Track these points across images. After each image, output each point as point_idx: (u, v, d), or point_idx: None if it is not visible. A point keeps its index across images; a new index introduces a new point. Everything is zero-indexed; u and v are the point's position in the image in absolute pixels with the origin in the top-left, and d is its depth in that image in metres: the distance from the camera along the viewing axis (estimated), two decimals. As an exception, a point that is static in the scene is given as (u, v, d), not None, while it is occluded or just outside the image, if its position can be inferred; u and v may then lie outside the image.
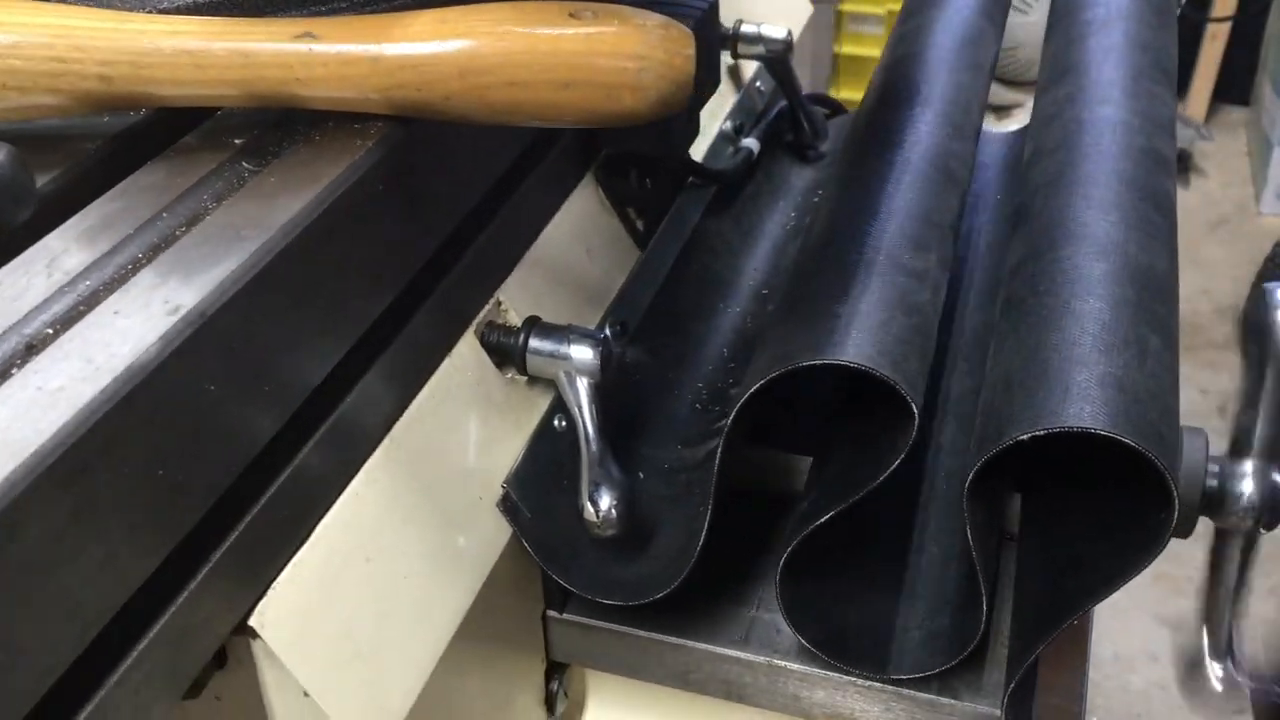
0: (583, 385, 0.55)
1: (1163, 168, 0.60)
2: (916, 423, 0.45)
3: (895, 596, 0.55)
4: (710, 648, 0.57)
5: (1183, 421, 0.60)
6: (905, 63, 0.67)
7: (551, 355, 0.55)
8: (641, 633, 0.58)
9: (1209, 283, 2.39)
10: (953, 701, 0.53)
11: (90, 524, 0.33)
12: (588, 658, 0.62)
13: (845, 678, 0.54)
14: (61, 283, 0.37)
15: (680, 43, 0.47)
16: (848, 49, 2.33)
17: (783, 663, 0.55)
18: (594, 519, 0.53)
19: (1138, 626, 1.66)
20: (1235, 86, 2.84)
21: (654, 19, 0.47)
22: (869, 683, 0.54)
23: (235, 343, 0.38)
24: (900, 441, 0.45)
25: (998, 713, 0.51)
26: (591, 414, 0.55)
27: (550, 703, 0.63)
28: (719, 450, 0.50)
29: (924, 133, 0.59)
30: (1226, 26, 2.69)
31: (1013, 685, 0.48)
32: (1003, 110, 2.17)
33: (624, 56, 0.45)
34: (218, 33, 0.44)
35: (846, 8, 2.37)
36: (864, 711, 0.55)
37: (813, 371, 0.47)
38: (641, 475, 0.61)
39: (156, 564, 0.36)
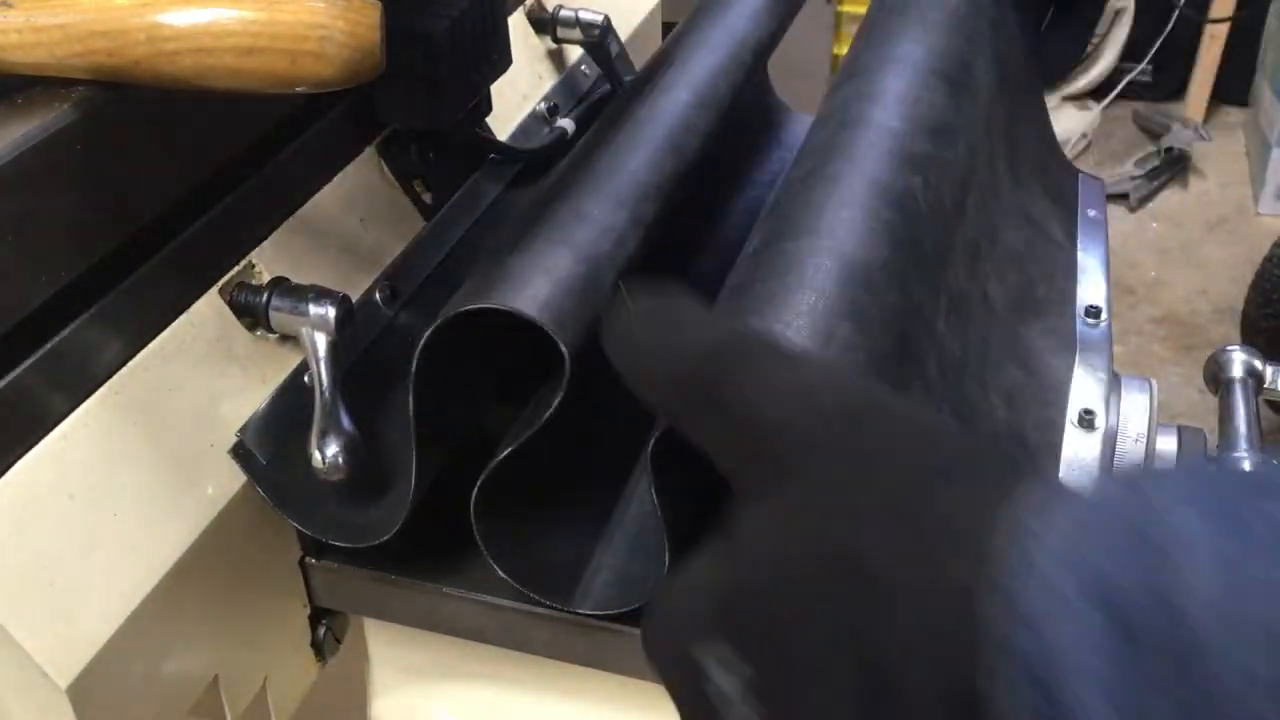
0: (321, 340, 0.58)
1: (912, 167, 0.63)
2: (568, 367, 0.48)
3: (594, 539, 0.58)
4: (445, 589, 0.60)
5: (1181, 421, 0.63)
6: (669, 46, 0.70)
7: (292, 313, 0.58)
8: (392, 576, 0.62)
9: (1207, 283, 2.42)
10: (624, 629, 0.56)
11: None
12: (347, 603, 0.65)
13: (553, 613, 0.57)
14: None
15: (363, 12, 0.50)
16: (846, 49, 2.36)
17: (505, 602, 0.59)
18: (320, 465, 0.56)
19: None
20: (1234, 87, 2.86)
21: None
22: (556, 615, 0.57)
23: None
24: (554, 387, 0.49)
25: None
26: (326, 367, 0.58)
27: (318, 647, 0.66)
28: (410, 398, 0.53)
29: (661, 103, 0.63)
30: (1225, 27, 2.72)
31: None
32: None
33: (304, 25, 0.48)
34: (-86, -1, 0.47)
35: (845, 8, 2.40)
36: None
37: (492, 323, 0.50)
38: (396, 427, 0.63)
39: None
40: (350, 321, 0.59)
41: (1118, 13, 2.79)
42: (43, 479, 0.49)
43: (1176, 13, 2.70)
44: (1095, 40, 2.79)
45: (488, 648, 0.63)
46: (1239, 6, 2.67)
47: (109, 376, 0.52)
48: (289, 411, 0.60)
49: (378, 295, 0.67)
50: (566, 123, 0.85)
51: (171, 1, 0.48)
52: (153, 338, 0.55)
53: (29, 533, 0.48)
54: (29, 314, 0.48)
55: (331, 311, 0.58)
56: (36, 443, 0.49)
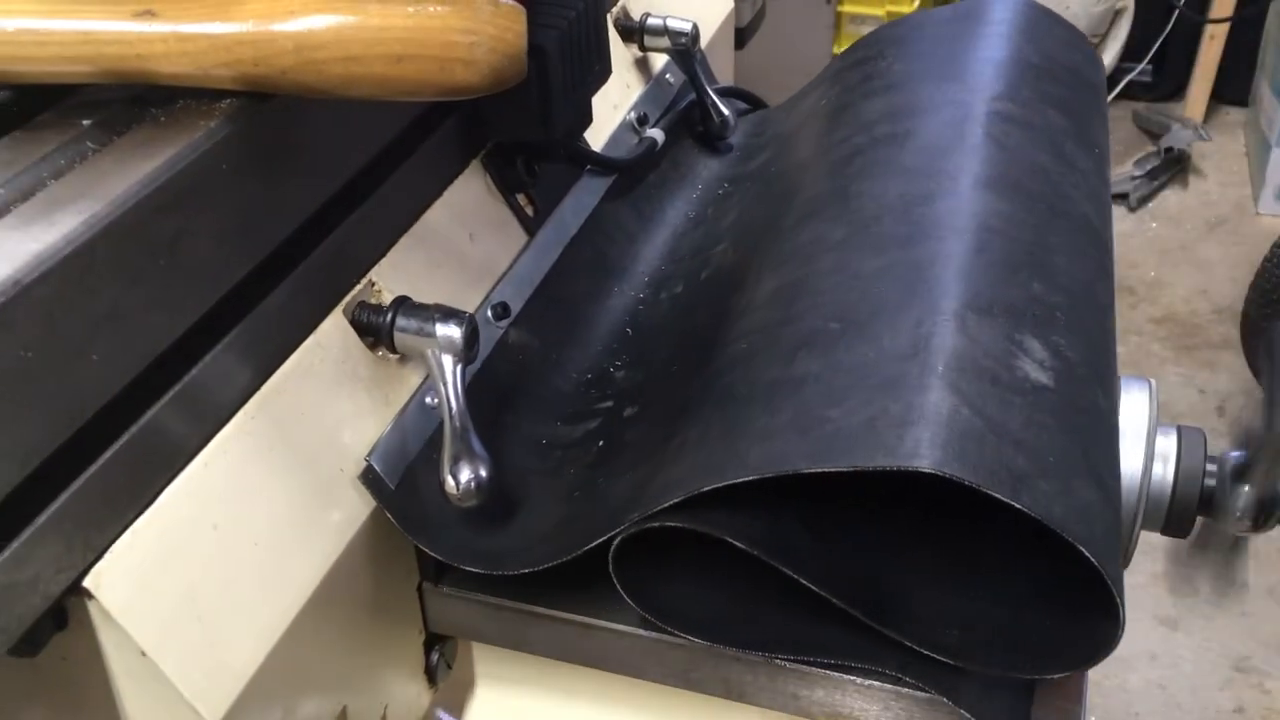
0: (447, 361, 0.56)
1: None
2: None
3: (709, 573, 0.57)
4: (588, 620, 0.59)
5: (1181, 421, 0.62)
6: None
7: (418, 333, 0.57)
8: (513, 604, 0.60)
9: (1207, 283, 2.40)
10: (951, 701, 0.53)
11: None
12: (464, 630, 0.63)
13: (844, 676, 0.55)
14: (-121, 256, 0.39)
15: (510, 18, 0.48)
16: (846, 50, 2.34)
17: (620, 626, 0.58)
18: (454, 491, 0.55)
19: (1137, 626, 1.67)
20: (1233, 87, 2.84)
21: None
22: (868, 681, 0.55)
23: (55, 311, 0.40)
24: None
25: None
26: (455, 390, 0.56)
27: (431, 674, 0.65)
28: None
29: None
30: (1225, 27, 2.70)
31: None
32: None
33: (455, 31, 0.47)
34: (58, 11, 0.46)
35: (846, 8, 2.38)
36: (864, 710, 0.56)
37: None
38: (518, 450, 0.62)
39: (-28, 521, 0.38)
40: (476, 342, 0.57)
41: (1118, 12, 2.78)
42: (187, 510, 0.47)
43: (1176, 13, 2.69)
44: (1095, 40, 2.78)
45: (593, 672, 0.61)
46: (1239, 6, 2.65)
47: (245, 401, 0.51)
48: (413, 434, 0.58)
49: (489, 312, 0.66)
50: (656, 132, 0.84)
51: (321, 9, 0.46)
52: (283, 360, 0.53)
53: (177, 566, 0.46)
54: (176, 340, 0.46)
55: (459, 332, 0.56)
56: (179, 473, 0.47)
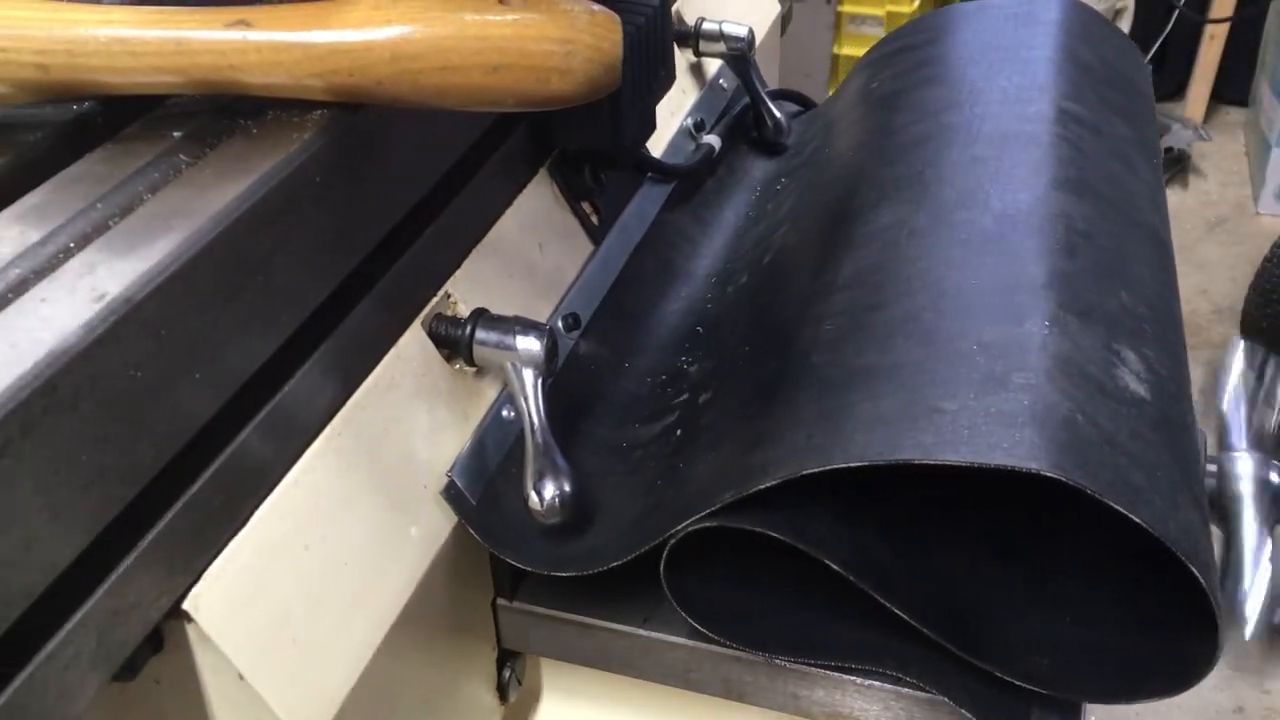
0: (528, 376, 0.56)
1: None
2: None
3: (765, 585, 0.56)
4: (657, 635, 0.58)
5: None
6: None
7: (498, 346, 0.56)
8: (588, 619, 0.59)
9: (1207, 283, 2.39)
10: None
11: (11, 506, 0.34)
12: (537, 646, 0.62)
13: (844, 676, 0.54)
14: (-11, 271, 0.38)
15: (606, 27, 0.48)
16: (847, 50, 2.34)
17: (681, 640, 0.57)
18: (539, 507, 0.54)
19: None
20: (1233, 87, 2.84)
21: (579, 5, 0.48)
22: (869, 681, 0.54)
23: (163, 329, 0.39)
24: None
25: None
26: (537, 404, 0.55)
27: (503, 690, 0.64)
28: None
29: None
30: (1225, 27, 2.69)
31: None
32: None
33: (551, 40, 0.46)
34: (151, 21, 0.45)
35: (846, 8, 2.37)
36: (864, 710, 0.55)
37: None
38: (596, 457, 0.61)
39: (82, 546, 0.37)
40: (556, 354, 0.57)
41: (1118, 12, 2.77)
42: (279, 530, 0.46)
43: (1176, 12, 2.68)
44: None
45: (660, 689, 0.60)
46: (1239, 6, 2.64)
47: (331, 417, 0.50)
48: (492, 448, 0.58)
49: (559, 322, 0.65)
50: (712, 139, 0.83)
51: (418, 19, 0.45)
52: (366, 375, 0.52)
53: (271, 587, 0.45)
54: (270, 357, 0.45)
55: (539, 345, 0.56)
56: (269, 493, 0.46)
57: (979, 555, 0.57)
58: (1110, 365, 0.50)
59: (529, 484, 0.54)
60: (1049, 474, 0.44)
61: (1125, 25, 2.83)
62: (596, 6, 0.48)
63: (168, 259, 0.39)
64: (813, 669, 0.55)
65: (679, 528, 0.50)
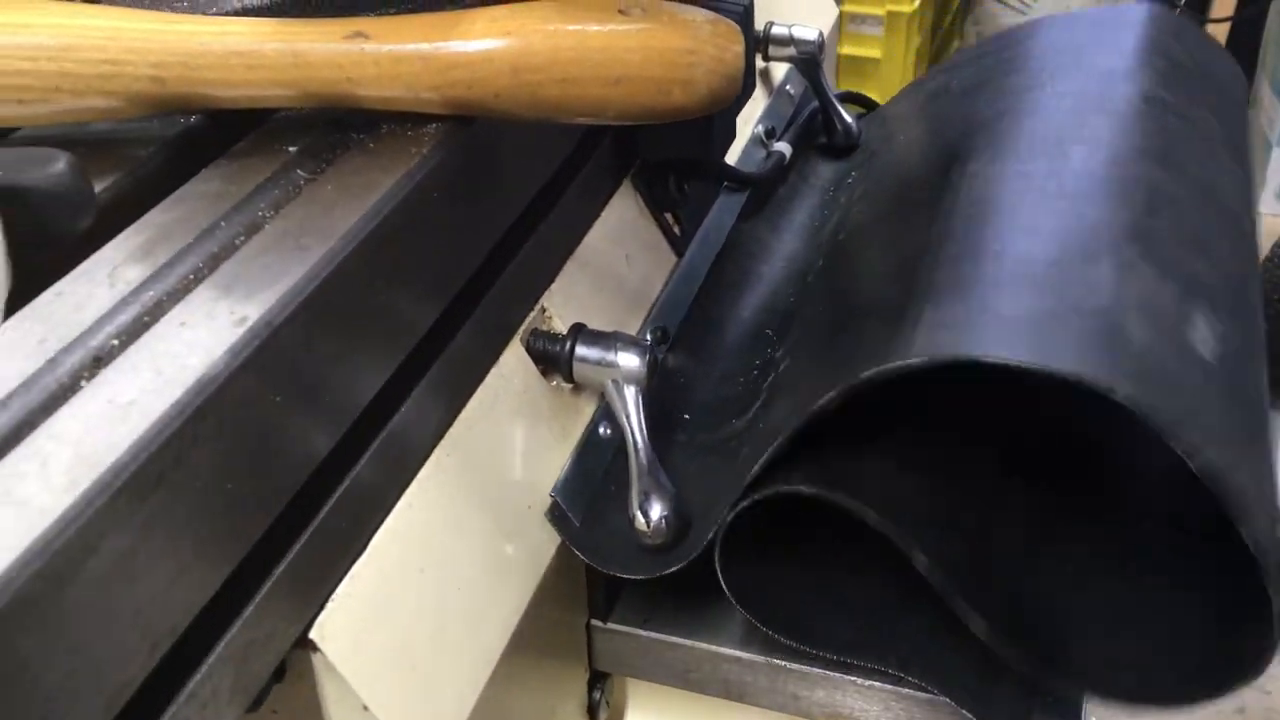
0: (630, 393, 0.54)
1: None
2: None
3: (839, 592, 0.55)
4: (750, 656, 0.56)
5: None
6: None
7: (598, 363, 0.55)
8: (685, 640, 0.58)
9: None
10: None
11: (161, 539, 0.32)
12: (630, 666, 0.61)
13: (845, 676, 0.54)
14: (124, 293, 0.37)
15: (730, 37, 0.46)
16: (847, 49, 2.32)
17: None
18: (645, 528, 0.53)
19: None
20: None
21: (702, 14, 0.47)
22: (869, 681, 0.54)
23: (298, 354, 0.38)
24: None
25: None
26: (639, 422, 0.54)
27: (593, 712, 0.63)
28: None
29: None
30: (1225, 27, 2.68)
31: None
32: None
33: (675, 51, 0.45)
34: (268, 34, 0.44)
35: (846, 8, 2.36)
36: (864, 710, 0.55)
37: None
38: (697, 460, 0.59)
39: (224, 578, 0.36)
40: (656, 371, 0.55)
41: None
42: (396, 555, 0.45)
43: (1177, 12, 2.67)
44: None
45: (742, 708, 0.59)
46: (1239, 6, 2.62)
47: (440, 438, 0.49)
48: (591, 467, 0.56)
49: (648, 336, 0.64)
50: (783, 146, 0.82)
51: (537, 30, 0.44)
52: (471, 393, 0.51)
53: (391, 613, 0.44)
54: (390, 377, 0.44)
55: (641, 361, 0.54)
56: (385, 517, 0.45)
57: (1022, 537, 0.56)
58: (1183, 322, 0.48)
59: (634, 505, 0.53)
60: (1122, 399, 0.41)
61: (1129, 25, 2.83)
62: (718, 16, 0.47)
63: (304, 280, 0.38)
64: (813, 670, 0.54)
65: (750, 479, 0.49)
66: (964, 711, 0.51)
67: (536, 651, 0.55)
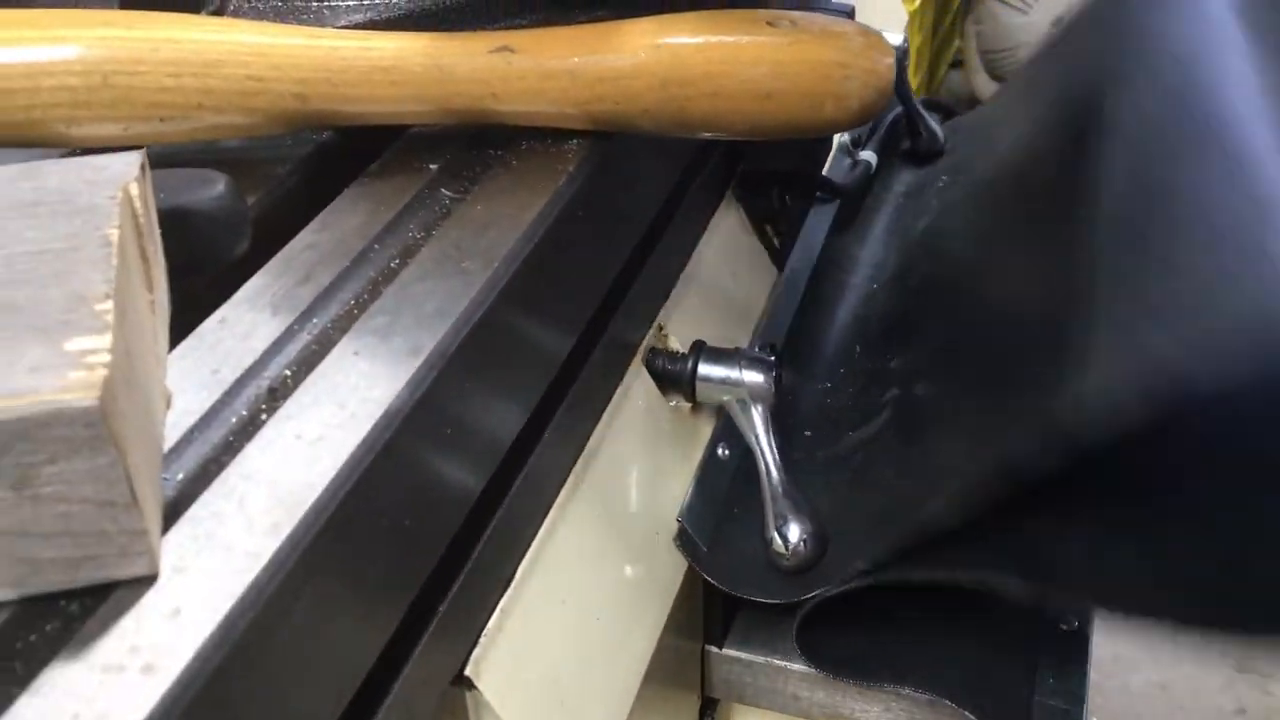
0: (758, 412, 0.53)
1: None
2: None
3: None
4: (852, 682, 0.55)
5: None
6: None
7: (723, 381, 0.53)
8: (804, 666, 0.56)
9: None
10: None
11: (352, 580, 0.31)
12: (742, 692, 0.60)
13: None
14: (289, 320, 0.35)
15: (881, 49, 0.45)
16: None
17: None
18: (783, 551, 0.51)
19: (1138, 626, 1.62)
20: None
21: (852, 26, 0.45)
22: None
23: (467, 384, 0.36)
24: None
25: None
26: (770, 442, 0.52)
27: (703, 739, 0.61)
28: None
29: None
30: None
31: None
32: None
33: (829, 64, 0.43)
34: (412, 48, 0.42)
35: None
36: (864, 711, 0.54)
37: None
38: (818, 476, 0.58)
39: (400, 617, 0.34)
40: (780, 388, 0.54)
41: None
42: (540, 586, 0.43)
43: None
44: None
45: None
46: None
47: (575, 462, 0.47)
48: (713, 489, 0.55)
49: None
50: (869, 155, 0.80)
51: (688, 43, 0.43)
52: (600, 416, 0.49)
53: (539, 646, 0.43)
54: (538, 403, 0.43)
55: (767, 378, 0.53)
56: (528, 547, 0.44)
57: None
58: None
59: (770, 527, 0.51)
60: None
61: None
62: (867, 27, 0.45)
63: (472, 306, 0.36)
64: (813, 670, 0.53)
65: (940, 506, 0.45)
66: (965, 713, 0.50)
67: (658, 680, 0.54)
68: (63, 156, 0.41)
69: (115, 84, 0.39)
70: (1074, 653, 0.54)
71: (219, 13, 0.49)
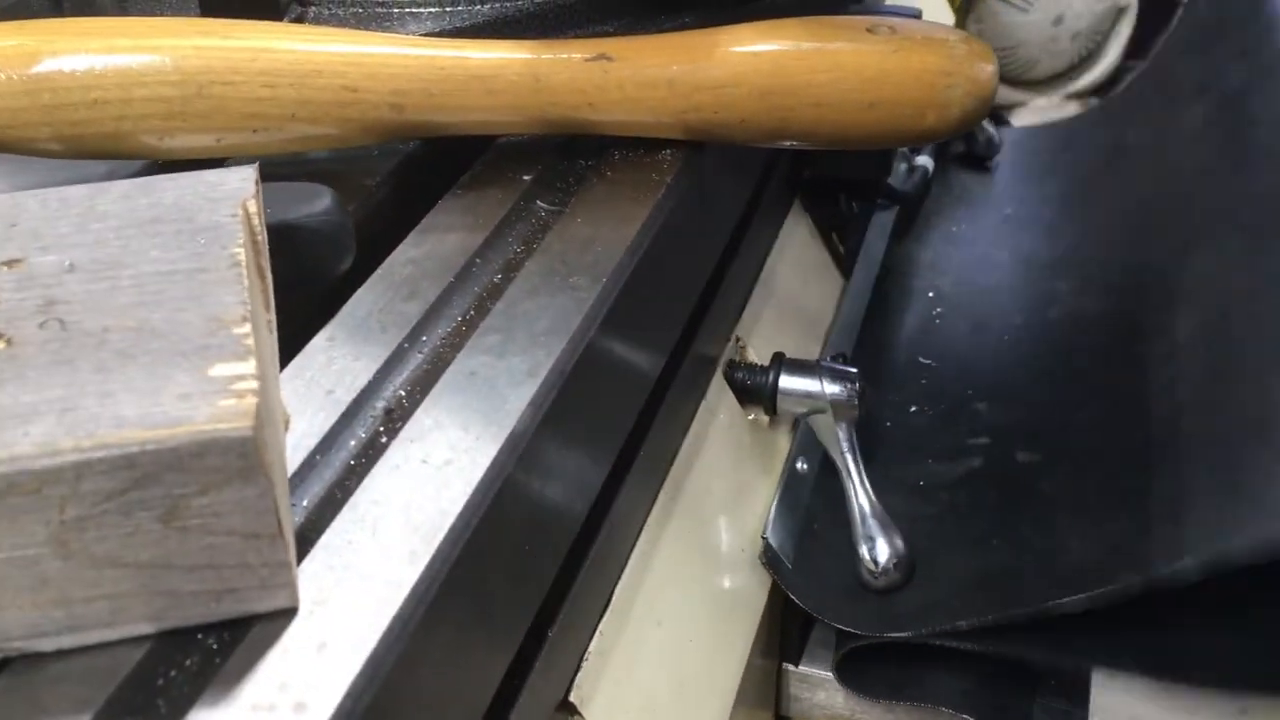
0: (842, 427, 0.52)
1: None
2: None
3: None
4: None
5: None
6: None
7: (805, 394, 0.52)
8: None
9: None
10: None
11: (482, 608, 0.30)
12: (818, 711, 0.58)
13: None
14: (399, 338, 0.34)
15: (984, 56, 0.44)
16: None
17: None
18: (873, 569, 0.50)
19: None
20: None
21: (954, 33, 0.44)
22: None
23: (581, 403, 0.35)
24: None
25: None
26: (856, 458, 0.51)
27: (777, 759, 0.60)
28: None
29: None
30: None
31: None
32: (1004, 109, 2.12)
33: (933, 73, 0.42)
34: (509, 57, 0.41)
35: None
36: (864, 713, 0.53)
37: None
38: (897, 497, 0.56)
39: (518, 643, 0.33)
40: (865, 401, 0.53)
41: (1121, 10, 2.72)
42: (636, 608, 0.42)
43: (1180, 10, 2.63)
44: (1099, 38, 2.73)
45: None
46: None
47: (663, 481, 0.46)
48: (794, 505, 0.54)
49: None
50: (925, 160, 0.79)
51: (789, 51, 0.42)
52: (686, 432, 0.48)
53: (637, 670, 0.41)
54: (639, 417, 0.42)
55: (851, 391, 0.52)
56: (624, 569, 0.43)
57: None
58: None
59: (860, 546, 0.50)
60: None
61: (1128, 25, 2.78)
62: (968, 34, 0.44)
63: (585, 323, 0.35)
64: (813, 671, 0.54)
65: (1068, 600, 0.46)
66: (965, 715, 0.49)
67: (741, 701, 0.52)
68: (146, 169, 0.41)
69: (211, 94, 0.38)
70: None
71: (300, 19, 0.48)
